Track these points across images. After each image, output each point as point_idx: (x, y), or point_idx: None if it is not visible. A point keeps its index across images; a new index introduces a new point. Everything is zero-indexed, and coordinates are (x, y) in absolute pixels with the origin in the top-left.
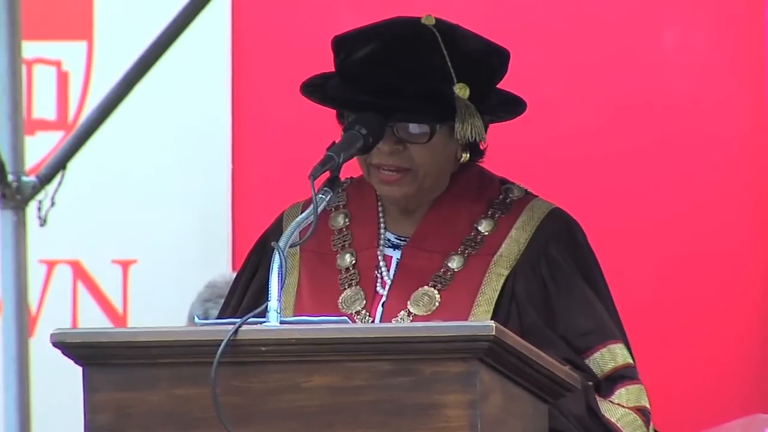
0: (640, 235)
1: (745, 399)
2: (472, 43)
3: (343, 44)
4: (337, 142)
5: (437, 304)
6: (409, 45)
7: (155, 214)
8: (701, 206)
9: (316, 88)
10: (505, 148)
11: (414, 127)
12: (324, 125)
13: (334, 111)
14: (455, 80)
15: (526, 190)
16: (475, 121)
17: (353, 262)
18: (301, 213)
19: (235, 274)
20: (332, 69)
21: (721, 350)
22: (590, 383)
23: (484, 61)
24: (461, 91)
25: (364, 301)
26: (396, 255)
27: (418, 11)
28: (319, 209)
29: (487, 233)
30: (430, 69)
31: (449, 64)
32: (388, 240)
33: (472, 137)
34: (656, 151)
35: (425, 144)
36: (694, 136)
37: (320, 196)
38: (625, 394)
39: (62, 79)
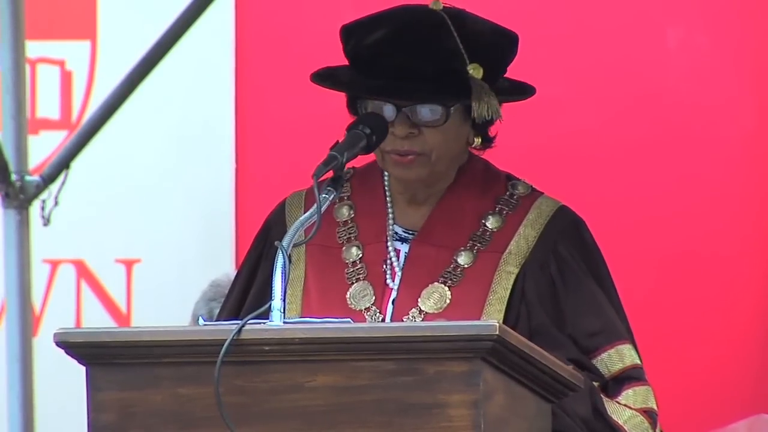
0: (642, 235)
1: (750, 399)
2: (481, 26)
3: (352, 32)
4: (340, 141)
5: (448, 301)
6: (420, 28)
7: (159, 214)
8: (703, 206)
9: (326, 77)
10: (507, 146)
11: (428, 112)
12: (327, 124)
13: (336, 111)
14: (467, 61)
15: (531, 186)
16: (491, 100)
17: (360, 255)
18: (304, 204)
19: None
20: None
21: (724, 350)
22: (596, 384)
23: (494, 42)
24: (475, 71)
25: (373, 297)
26: (404, 249)
27: None
28: (323, 208)
29: (495, 229)
30: (442, 50)
31: (460, 45)
32: (396, 233)
33: (488, 116)
34: (658, 151)
35: (439, 128)
36: (697, 136)
37: (324, 195)
38: (632, 395)
39: (66, 78)
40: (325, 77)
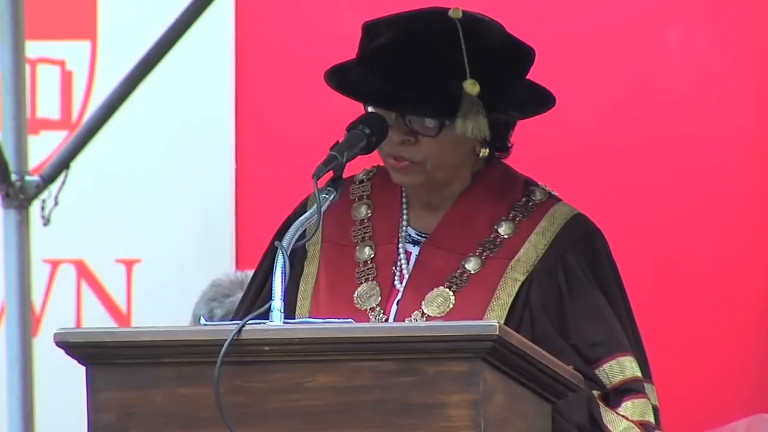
0: (642, 234)
1: (749, 399)
2: (495, 39)
3: (369, 30)
4: (340, 141)
5: (451, 305)
6: (427, 37)
7: (159, 214)
8: (703, 206)
9: (337, 73)
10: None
11: (423, 120)
12: (327, 124)
13: (336, 111)
14: (468, 76)
15: (550, 192)
16: (478, 119)
17: (372, 255)
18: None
19: (239, 273)
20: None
21: (724, 350)
22: (595, 393)
23: (505, 58)
24: (471, 87)
25: (379, 298)
26: (415, 251)
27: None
28: (323, 209)
29: (506, 236)
30: (444, 63)
31: (465, 59)
32: (409, 235)
33: (473, 134)
34: (658, 151)
35: (435, 137)
36: (697, 136)
37: (323, 195)
38: (630, 407)
39: (66, 78)
40: (336, 73)
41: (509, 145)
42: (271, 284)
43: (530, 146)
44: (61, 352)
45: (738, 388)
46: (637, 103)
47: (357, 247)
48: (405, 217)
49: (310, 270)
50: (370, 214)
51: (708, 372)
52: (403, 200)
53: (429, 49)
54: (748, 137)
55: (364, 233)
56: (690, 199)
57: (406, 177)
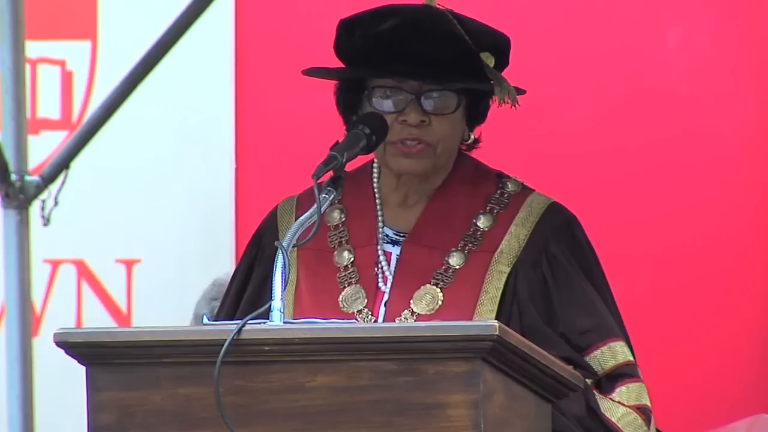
0: (642, 234)
1: (750, 399)
2: (479, 25)
3: (354, 25)
4: (340, 141)
5: (440, 302)
6: (429, 19)
7: (159, 214)
8: (703, 206)
9: (328, 72)
10: (507, 145)
11: (440, 100)
12: (327, 124)
13: (336, 111)
14: (477, 51)
15: (522, 183)
16: (508, 86)
17: (351, 259)
18: (296, 209)
19: None
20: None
21: (724, 350)
22: (590, 381)
23: (496, 39)
24: (488, 58)
25: (366, 300)
26: (395, 251)
27: None
28: (323, 209)
29: (486, 229)
30: (455, 41)
31: (468, 39)
32: (387, 236)
33: (509, 100)
34: (658, 151)
35: (448, 117)
36: (697, 136)
37: (323, 195)
38: (625, 392)
39: (66, 78)
40: (330, 72)
41: (478, 137)
42: (264, 286)
43: (531, 145)
44: (61, 352)
45: (738, 388)
46: (637, 102)
47: (335, 252)
48: (380, 217)
49: (290, 277)
50: (343, 219)
51: (708, 372)
52: (377, 201)
53: (438, 29)
54: (748, 137)
55: (341, 237)
56: (690, 199)
57: (418, 161)
